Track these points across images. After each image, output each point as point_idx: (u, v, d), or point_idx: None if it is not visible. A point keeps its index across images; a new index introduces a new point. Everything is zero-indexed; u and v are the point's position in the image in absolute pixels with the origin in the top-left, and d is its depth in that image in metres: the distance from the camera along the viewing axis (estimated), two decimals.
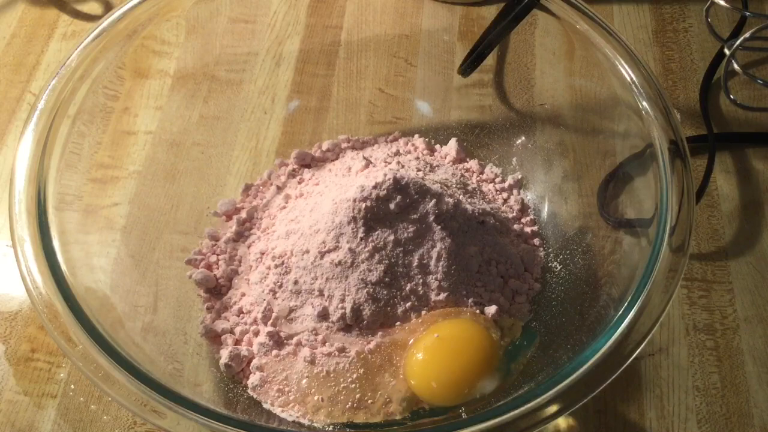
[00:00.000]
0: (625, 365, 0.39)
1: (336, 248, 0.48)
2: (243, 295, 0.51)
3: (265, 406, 0.46)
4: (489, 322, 0.48)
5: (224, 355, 0.48)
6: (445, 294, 0.48)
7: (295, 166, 0.59)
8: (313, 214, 0.50)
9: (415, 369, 0.46)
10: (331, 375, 0.46)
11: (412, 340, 0.47)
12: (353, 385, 0.46)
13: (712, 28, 0.65)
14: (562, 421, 0.48)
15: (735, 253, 0.56)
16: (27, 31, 0.67)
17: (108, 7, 0.69)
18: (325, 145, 0.60)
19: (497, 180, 0.59)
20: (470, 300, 0.49)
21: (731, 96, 0.62)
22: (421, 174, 0.53)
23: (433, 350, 0.46)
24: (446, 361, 0.46)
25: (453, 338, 0.47)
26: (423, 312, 0.48)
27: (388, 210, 0.48)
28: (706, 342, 0.52)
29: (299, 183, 0.57)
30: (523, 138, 0.59)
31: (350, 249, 0.48)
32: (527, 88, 0.60)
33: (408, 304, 0.48)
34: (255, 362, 0.48)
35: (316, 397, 0.46)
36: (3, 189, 0.52)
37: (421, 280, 0.48)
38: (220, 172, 0.58)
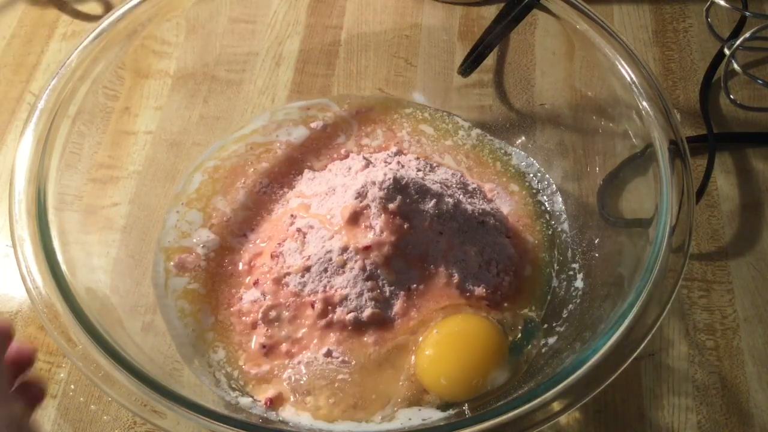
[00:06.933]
0: (625, 365, 0.39)
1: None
2: (240, 298, 0.51)
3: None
4: (491, 319, 0.48)
5: None
6: (446, 294, 0.48)
7: None
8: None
9: (424, 367, 0.46)
10: (331, 375, 0.46)
11: (418, 339, 0.47)
12: (353, 385, 0.46)
13: (712, 28, 0.64)
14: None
15: (735, 253, 0.56)
16: (27, 31, 0.67)
17: (108, 7, 0.69)
18: None
19: None
20: (470, 299, 0.49)
21: (731, 96, 0.62)
22: (421, 174, 0.52)
23: (440, 347, 0.46)
24: (453, 356, 0.46)
25: (459, 334, 0.47)
26: (423, 311, 0.48)
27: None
28: (706, 342, 0.52)
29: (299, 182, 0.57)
30: (523, 138, 0.59)
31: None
32: (527, 88, 0.60)
33: (408, 304, 0.48)
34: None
35: (315, 397, 0.46)
36: (3, 189, 0.52)
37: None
38: None
